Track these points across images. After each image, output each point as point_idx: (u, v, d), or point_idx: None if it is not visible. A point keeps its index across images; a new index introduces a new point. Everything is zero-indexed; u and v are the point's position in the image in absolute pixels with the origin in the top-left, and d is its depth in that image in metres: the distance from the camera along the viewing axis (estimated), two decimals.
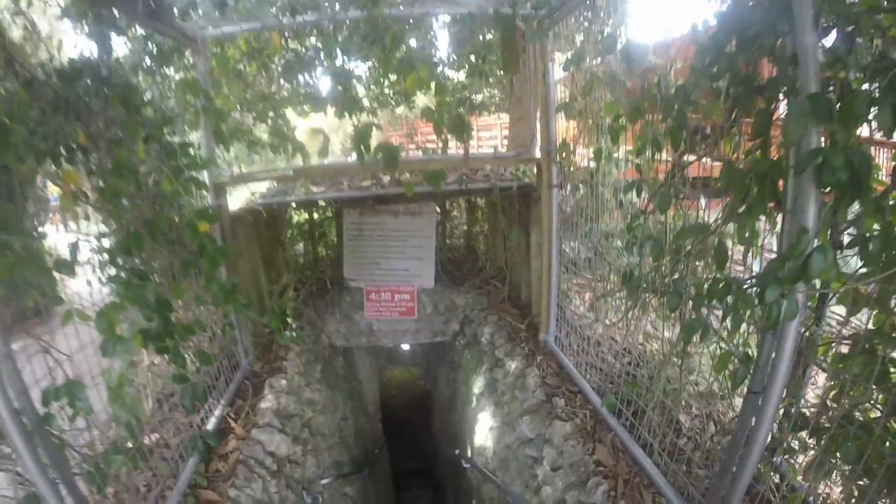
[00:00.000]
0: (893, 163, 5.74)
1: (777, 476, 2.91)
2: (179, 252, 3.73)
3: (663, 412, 3.77)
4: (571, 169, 4.79)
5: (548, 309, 4.97)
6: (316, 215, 7.47)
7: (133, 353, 3.51)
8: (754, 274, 2.45)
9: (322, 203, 7.07)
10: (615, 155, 3.77)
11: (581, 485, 3.53)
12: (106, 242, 3.22)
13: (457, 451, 6.43)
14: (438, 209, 7.37)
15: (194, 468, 3.51)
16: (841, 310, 2.52)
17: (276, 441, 3.92)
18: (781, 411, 2.54)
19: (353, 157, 4.44)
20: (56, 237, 3.40)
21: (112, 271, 2.94)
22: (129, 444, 3.17)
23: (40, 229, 4.45)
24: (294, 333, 5.20)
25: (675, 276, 3.23)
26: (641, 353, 4.44)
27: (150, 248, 3.68)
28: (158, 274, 3.92)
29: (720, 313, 2.38)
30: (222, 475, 3.55)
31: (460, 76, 7.41)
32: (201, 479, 3.50)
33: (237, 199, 5.83)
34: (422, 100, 8.96)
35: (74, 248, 2.73)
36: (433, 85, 4.85)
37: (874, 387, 2.12)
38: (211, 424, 3.90)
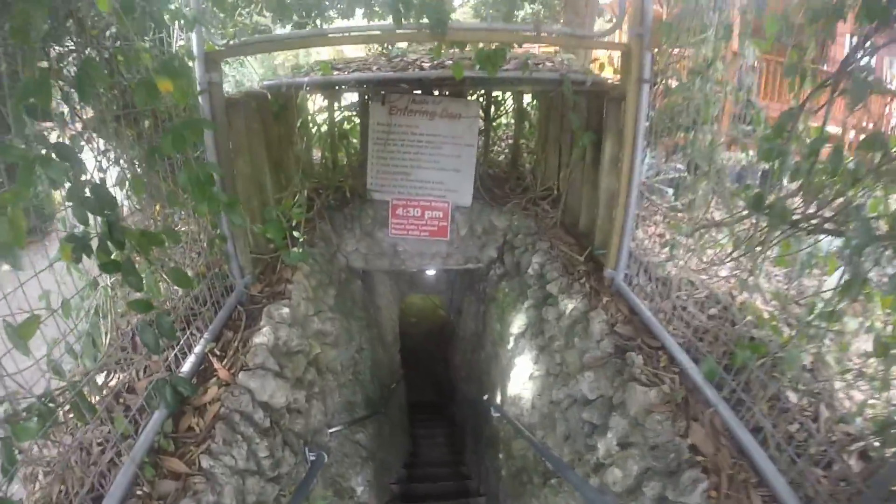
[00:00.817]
0: None
1: None
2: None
3: (789, 391, 2.86)
4: (668, 60, 3.72)
5: (619, 240, 3.98)
6: (336, 114, 6.42)
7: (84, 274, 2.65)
8: None
9: (344, 95, 6.02)
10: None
11: (669, 475, 2.65)
12: None
13: (485, 397, 5.64)
14: (482, 113, 6.28)
15: (159, 426, 2.70)
16: None
17: (271, 388, 3.08)
18: None
19: (388, 19, 3.38)
20: None
21: None
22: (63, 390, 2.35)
23: None
24: (302, 250, 4.29)
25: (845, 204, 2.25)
26: (748, 307, 3.50)
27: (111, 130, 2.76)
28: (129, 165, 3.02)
29: None
30: (195, 436, 2.73)
31: None
32: (167, 441, 2.68)
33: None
34: None
35: None
36: None
37: None
38: (188, 365, 3.07)
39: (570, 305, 3.95)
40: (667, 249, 4.41)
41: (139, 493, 2.52)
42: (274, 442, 3.06)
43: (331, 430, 4.15)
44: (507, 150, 7.56)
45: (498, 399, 5.59)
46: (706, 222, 3.88)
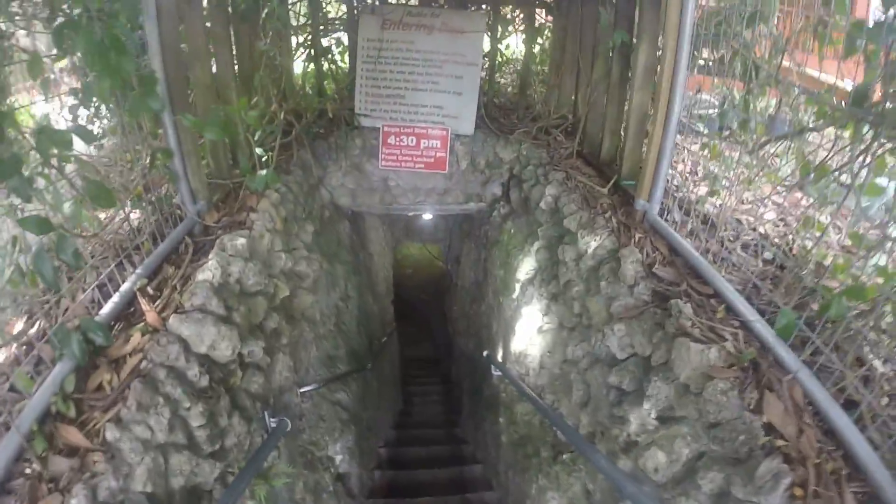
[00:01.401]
0: None
1: None
2: None
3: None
4: None
5: (656, 164, 3.23)
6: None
7: None
8: None
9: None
10: None
11: (736, 464, 1.98)
12: None
13: (484, 353, 4.97)
14: (488, 28, 5.43)
15: (59, 384, 2.00)
16: None
17: (211, 336, 2.37)
18: None
19: None
20: None
21: None
22: None
23: None
24: (269, 172, 3.54)
25: None
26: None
27: None
28: None
29: None
30: (104, 398, 2.04)
31: None
32: (67, 404, 2.00)
33: None
34: None
35: None
36: None
37: None
38: (109, 306, 2.36)
39: (593, 243, 3.23)
40: (704, 184, 3.69)
41: (27, 471, 1.86)
42: (216, 406, 2.37)
43: (303, 390, 3.48)
44: (515, 77, 6.73)
45: (499, 356, 4.93)
46: (768, 138, 3.13)
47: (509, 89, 6.58)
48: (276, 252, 3.34)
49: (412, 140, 5.03)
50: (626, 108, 4.18)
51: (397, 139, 5.03)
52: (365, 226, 7.35)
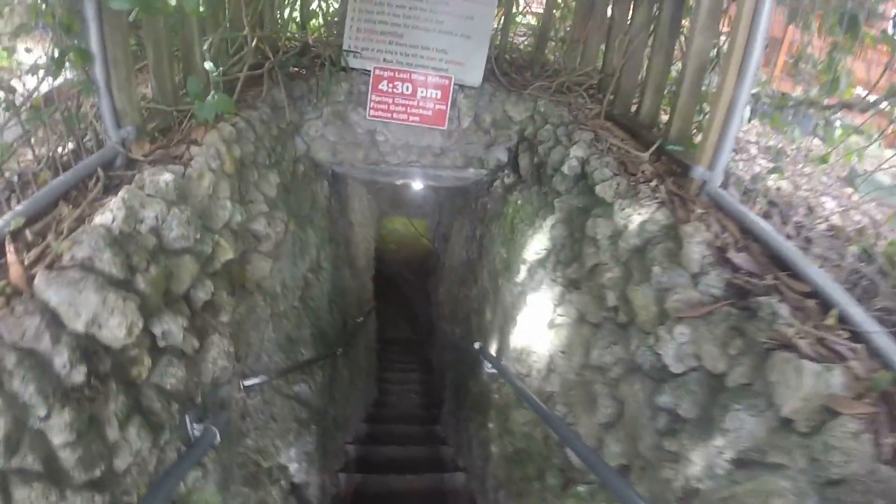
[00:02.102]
0: None
1: None
2: None
3: None
4: None
5: (723, 123, 2.52)
6: None
7: None
8: None
9: None
10: None
11: None
12: None
13: (476, 344, 4.24)
14: None
15: None
16: None
17: (91, 307, 1.61)
18: None
19: None
20: None
21: None
22: None
23: None
24: (220, 97, 2.76)
25: None
26: None
27: None
28: None
29: None
30: None
31: None
32: None
33: None
34: None
35: None
36: None
37: None
38: None
39: (636, 216, 2.50)
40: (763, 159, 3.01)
41: None
42: (101, 411, 1.62)
43: (248, 383, 2.73)
44: (530, 33, 5.96)
45: (493, 349, 4.21)
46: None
47: (523, 46, 5.81)
48: (221, 200, 2.57)
49: (407, 87, 4.25)
50: (673, 57, 3.46)
51: (390, 85, 4.25)
52: (347, 191, 6.57)
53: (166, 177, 2.13)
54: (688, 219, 2.35)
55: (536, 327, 3.34)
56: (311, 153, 4.49)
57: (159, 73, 2.86)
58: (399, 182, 7.64)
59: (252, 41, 3.70)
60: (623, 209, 2.59)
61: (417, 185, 7.54)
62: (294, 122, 4.22)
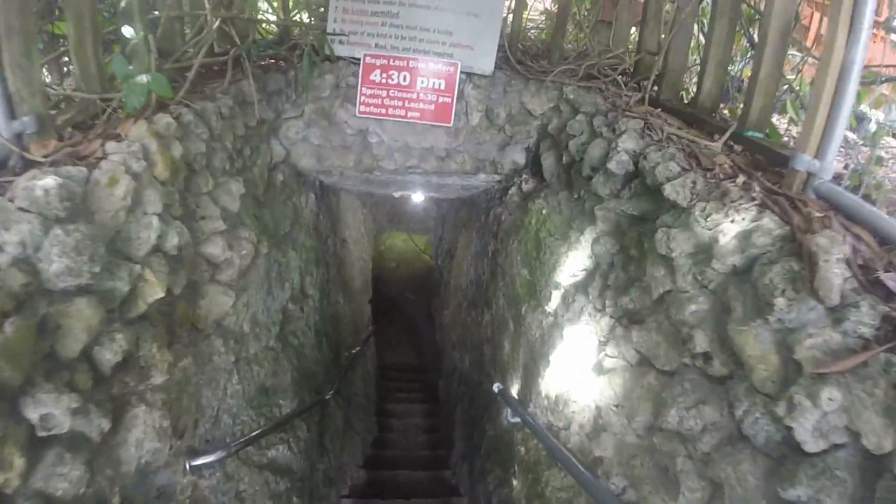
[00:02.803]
0: None
1: None
2: None
3: None
4: None
5: (833, 96, 1.85)
6: None
7: None
8: None
9: None
10: None
11: None
12: None
13: (496, 386, 3.51)
14: None
15: None
16: None
17: None
18: None
19: None
20: None
21: None
22: None
23: None
24: (154, 77, 2.08)
25: None
26: None
27: None
28: None
29: None
30: None
31: None
32: None
33: None
34: None
35: None
36: None
37: None
38: None
39: (731, 225, 1.79)
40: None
41: None
42: None
43: (197, 463, 2.01)
44: (544, 18, 5.30)
45: (514, 389, 3.48)
46: None
47: (536, 33, 5.14)
48: (146, 217, 1.86)
49: (405, 77, 3.57)
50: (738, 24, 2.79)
51: (384, 75, 3.56)
52: (339, 204, 5.87)
53: (47, 183, 1.44)
54: (810, 226, 1.64)
55: (577, 370, 2.62)
56: (291, 159, 3.81)
57: (81, 53, 2.21)
58: (397, 194, 6.97)
59: (214, 22, 3.03)
60: (708, 216, 1.88)
61: (418, 198, 6.86)
62: (269, 123, 3.55)
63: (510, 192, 4.08)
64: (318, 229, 4.57)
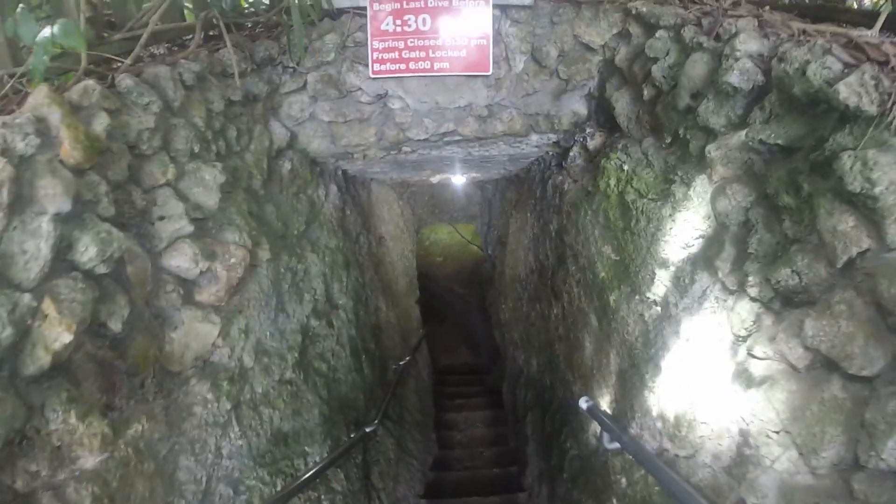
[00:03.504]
0: None
1: None
2: None
3: None
4: None
5: None
6: None
7: None
8: None
9: None
10: None
11: None
12: None
13: (584, 401, 2.74)
14: None
15: None
16: None
17: None
18: None
19: None
20: None
21: None
22: None
23: None
24: (61, 27, 1.45)
25: None
26: None
27: None
28: None
29: None
30: None
31: None
32: None
33: None
34: None
35: None
36: None
37: None
38: None
39: None
40: None
41: None
42: None
43: None
44: None
45: (606, 402, 2.74)
46: None
47: None
48: (34, 221, 1.22)
49: (424, 21, 2.89)
50: None
51: (398, 22, 2.89)
52: (370, 198, 5.23)
53: None
54: None
55: (706, 379, 1.87)
56: (299, 143, 3.18)
57: None
58: (435, 179, 6.26)
59: None
60: None
61: (458, 181, 6.15)
62: (265, 99, 2.92)
63: (571, 154, 3.34)
64: (344, 226, 3.92)
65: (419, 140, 3.13)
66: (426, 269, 10.57)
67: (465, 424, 6.52)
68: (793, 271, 1.51)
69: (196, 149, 2.06)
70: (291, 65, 2.97)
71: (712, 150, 1.90)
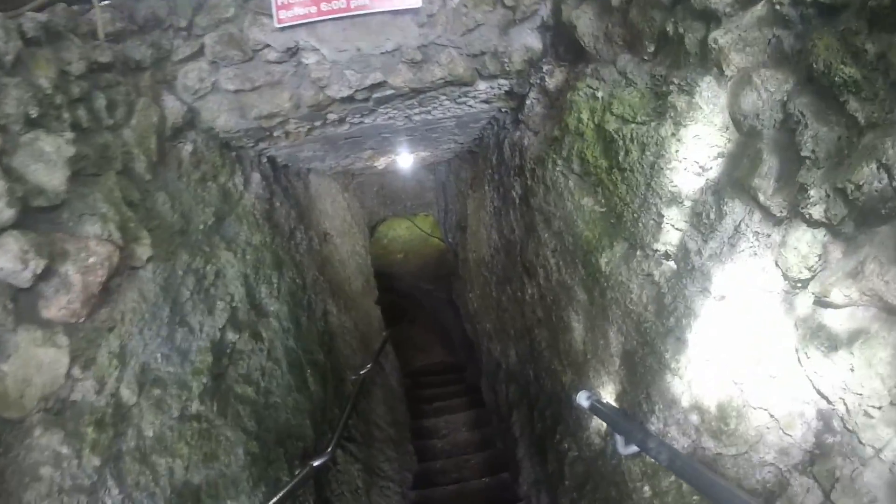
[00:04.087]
0: None
1: None
2: None
3: None
4: None
5: None
6: None
7: None
8: None
9: None
10: None
11: None
12: None
13: (584, 399, 2.22)
14: None
15: None
16: None
17: None
18: None
19: None
20: None
21: None
22: None
23: None
24: None
25: None
26: None
27: None
28: None
29: None
30: None
31: None
32: None
33: None
34: None
35: None
36: None
37: None
38: None
39: None
40: None
41: None
42: None
43: None
44: None
45: (607, 395, 2.24)
46: None
47: None
48: None
49: None
50: None
51: None
52: (309, 191, 4.67)
53: None
54: None
55: (755, 347, 1.39)
56: (202, 121, 2.62)
57: None
58: (380, 164, 5.66)
59: None
60: None
61: (406, 162, 5.60)
62: (153, 67, 2.37)
63: (528, 102, 2.85)
64: (273, 221, 3.36)
65: (343, 99, 2.59)
66: (389, 267, 10.08)
67: (446, 429, 6.00)
68: (881, 166, 1.03)
69: (34, 114, 1.50)
70: (184, 24, 2.43)
71: (719, 39, 1.42)
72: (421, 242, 10.44)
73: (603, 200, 2.10)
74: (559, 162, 2.45)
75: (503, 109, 3.34)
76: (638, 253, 1.88)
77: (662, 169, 1.68)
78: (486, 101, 3.08)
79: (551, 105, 2.69)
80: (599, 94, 2.06)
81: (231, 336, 2.30)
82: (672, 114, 1.66)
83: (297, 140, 3.23)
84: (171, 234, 2.16)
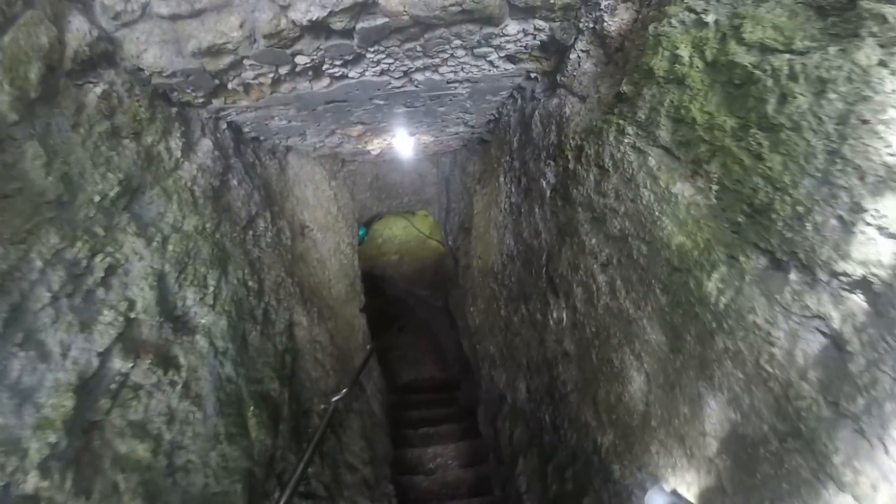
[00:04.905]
0: None
1: None
2: None
3: None
4: None
5: None
6: None
7: None
8: None
9: None
10: None
11: None
12: None
13: (661, 498, 1.50)
14: None
15: None
16: None
17: None
18: None
19: None
20: None
21: None
22: None
23: None
24: None
25: None
26: None
27: None
28: None
29: None
30: None
31: None
32: None
33: None
34: None
35: None
36: None
37: None
38: None
39: None
40: None
41: None
42: None
43: None
44: None
45: (687, 491, 1.51)
46: None
47: None
48: None
49: None
50: None
51: None
52: (285, 173, 3.94)
53: None
54: None
55: None
56: (123, 56, 1.94)
57: None
58: (374, 149, 4.86)
59: None
60: None
61: (406, 145, 4.84)
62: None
63: (572, 57, 2.13)
64: (223, 203, 2.63)
65: (313, 27, 1.86)
66: (380, 269, 9.51)
67: (434, 463, 5.25)
68: None
69: None
70: None
71: None
72: (418, 244, 9.78)
73: (716, 187, 1.34)
74: (629, 130, 1.71)
75: (532, 74, 2.61)
76: (793, 277, 1.13)
77: (866, 124, 0.94)
78: (511, 60, 2.37)
79: (609, 58, 1.97)
80: (710, 19, 1.33)
81: (120, 364, 1.58)
82: (875, 28, 0.94)
83: (262, 98, 2.52)
84: (37, 205, 1.44)
